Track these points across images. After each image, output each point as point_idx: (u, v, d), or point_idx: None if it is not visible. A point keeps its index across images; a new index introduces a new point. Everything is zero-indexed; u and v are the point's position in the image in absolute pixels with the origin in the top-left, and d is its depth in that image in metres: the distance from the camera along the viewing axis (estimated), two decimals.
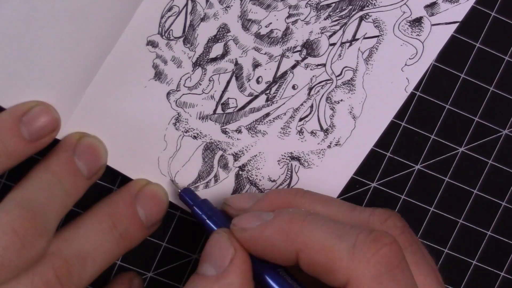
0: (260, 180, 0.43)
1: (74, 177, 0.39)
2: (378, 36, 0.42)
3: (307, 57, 0.42)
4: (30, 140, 0.38)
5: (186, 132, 0.42)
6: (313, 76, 0.42)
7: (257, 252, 0.37)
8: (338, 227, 0.35)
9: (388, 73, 0.43)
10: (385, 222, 0.38)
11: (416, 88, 0.44)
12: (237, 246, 0.37)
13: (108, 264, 0.40)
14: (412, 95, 0.44)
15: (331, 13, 0.42)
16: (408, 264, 0.35)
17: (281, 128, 0.43)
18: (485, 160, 0.46)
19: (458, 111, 0.45)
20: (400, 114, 0.44)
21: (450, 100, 0.45)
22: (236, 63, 0.42)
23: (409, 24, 0.43)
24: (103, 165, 0.40)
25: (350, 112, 0.43)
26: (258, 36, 0.42)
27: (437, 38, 0.43)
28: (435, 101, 0.45)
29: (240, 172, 0.43)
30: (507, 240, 0.46)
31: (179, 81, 0.41)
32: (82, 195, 0.40)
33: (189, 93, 0.42)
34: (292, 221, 0.36)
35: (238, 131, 0.42)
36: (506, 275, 0.47)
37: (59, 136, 0.40)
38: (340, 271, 0.34)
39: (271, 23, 0.42)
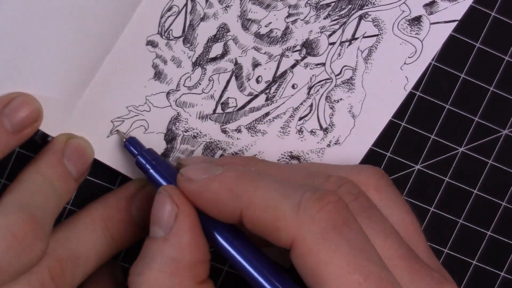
0: None
1: (65, 179, 0.39)
2: (377, 35, 0.43)
3: (306, 57, 0.42)
4: (13, 131, 0.38)
5: (185, 132, 0.42)
6: (313, 75, 0.42)
7: (201, 206, 0.36)
8: (284, 186, 0.34)
9: (387, 72, 0.43)
10: (338, 188, 0.37)
11: (416, 88, 0.44)
12: (180, 202, 0.36)
13: (100, 264, 0.40)
14: (412, 95, 0.44)
15: (331, 12, 0.42)
16: (364, 229, 0.34)
17: (281, 127, 0.43)
18: (485, 160, 0.46)
19: (458, 111, 0.45)
20: (400, 114, 0.44)
21: (450, 100, 0.45)
22: (236, 63, 0.42)
23: (408, 23, 0.43)
24: (90, 166, 0.40)
25: (350, 111, 0.43)
26: (257, 35, 0.42)
27: (436, 36, 0.43)
28: (435, 101, 0.45)
29: None
30: (507, 240, 0.46)
31: (179, 81, 0.41)
32: (72, 197, 0.40)
33: (189, 93, 0.42)
34: (239, 177, 0.35)
35: (238, 130, 0.42)
36: (506, 275, 0.47)
37: (56, 135, 0.40)
38: (285, 230, 0.33)
39: (270, 22, 0.42)
